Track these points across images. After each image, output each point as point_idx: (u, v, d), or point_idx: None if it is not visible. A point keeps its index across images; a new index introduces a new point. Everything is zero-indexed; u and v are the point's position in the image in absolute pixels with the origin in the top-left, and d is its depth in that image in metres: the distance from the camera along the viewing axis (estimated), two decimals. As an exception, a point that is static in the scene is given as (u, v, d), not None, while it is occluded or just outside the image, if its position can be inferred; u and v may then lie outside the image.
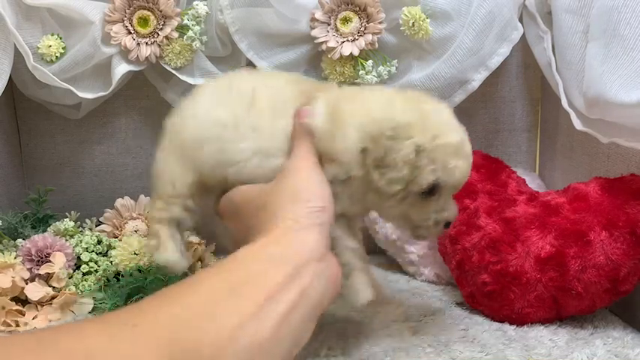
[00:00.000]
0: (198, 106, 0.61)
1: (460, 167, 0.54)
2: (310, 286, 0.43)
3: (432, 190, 0.54)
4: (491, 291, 0.69)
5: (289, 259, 0.43)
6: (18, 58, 0.79)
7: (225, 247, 0.58)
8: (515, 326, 0.68)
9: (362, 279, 0.57)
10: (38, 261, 0.74)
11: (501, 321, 0.69)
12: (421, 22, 0.79)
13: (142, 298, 0.68)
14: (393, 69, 0.84)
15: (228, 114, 0.58)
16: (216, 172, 0.59)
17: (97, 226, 0.86)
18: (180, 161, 0.61)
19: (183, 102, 0.64)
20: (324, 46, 0.82)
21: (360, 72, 0.83)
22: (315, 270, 0.44)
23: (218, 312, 0.38)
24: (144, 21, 0.82)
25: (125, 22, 0.82)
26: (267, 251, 0.45)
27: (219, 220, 0.61)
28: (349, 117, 0.54)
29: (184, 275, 0.78)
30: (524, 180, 0.79)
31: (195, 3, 0.82)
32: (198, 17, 0.81)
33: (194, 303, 0.38)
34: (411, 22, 0.79)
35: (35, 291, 0.71)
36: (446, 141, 0.53)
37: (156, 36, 0.83)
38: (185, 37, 0.82)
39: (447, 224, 0.58)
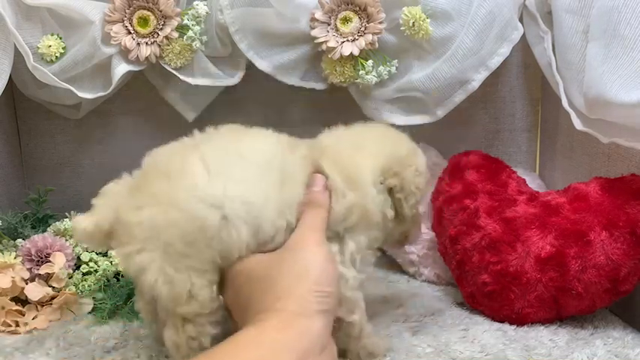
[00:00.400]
0: (204, 184, 0.50)
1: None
2: None
3: None
4: (492, 291, 0.69)
5: (293, 349, 0.43)
6: (18, 58, 0.79)
7: None
8: (515, 326, 0.68)
9: (370, 335, 0.59)
10: (38, 261, 0.74)
11: (501, 321, 0.69)
12: (421, 22, 0.79)
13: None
14: (393, 69, 0.84)
15: (255, 189, 0.52)
16: (242, 256, 0.52)
17: (97, 226, 0.86)
18: (196, 263, 0.50)
19: (166, 187, 0.51)
20: (324, 46, 0.82)
21: (360, 72, 0.83)
22: None
23: None
24: (144, 21, 0.82)
25: (125, 22, 0.82)
26: (272, 337, 0.44)
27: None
28: (363, 175, 0.58)
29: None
30: (524, 180, 0.79)
31: (195, 3, 0.81)
32: (198, 17, 0.81)
33: None
34: (411, 22, 0.79)
35: (35, 291, 0.71)
36: (424, 161, 0.64)
37: (156, 36, 0.83)
38: (185, 37, 0.82)
39: None
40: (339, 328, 0.56)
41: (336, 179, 0.56)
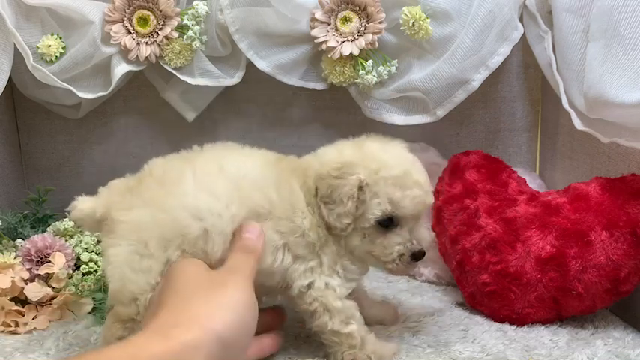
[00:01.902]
0: (192, 196, 0.54)
1: (408, 198, 0.56)
2: None
3: (389, 224, 0.56)
4: (492, 291, 0.69)
5: None
6: (18, 58, 0.79)
7: None
8: (515, 326, 0.68)
9: (377, 341, 0.59)
10: (38, 261, 0.74)
11: (502, 321, 0.69)
12: (421, 22, 0.79)
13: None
14: (393, 69, 0.84)
15: (231, 205, 0.55)
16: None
17: (96, 226, 0.86)
18: (156, 266, 0.53)
19: (158, 194, 0.54)
20: (324, 46, 0.82)
21: (360, 72, 0.83)
22: None
23: None
24: (144, 21, 0.82)
25: (125, 21, 0.82)
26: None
27: None
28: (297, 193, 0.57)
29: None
30: (524, 180, 0.79)
31: (195, 3, 0.81)
32: (198, 17, 0.81)
33: None
34: (411, 21, 0.79)
35: (35, 291, 0.71)
36: (387, 174, 0.55)
37: (156, 36, 0.83)
38: (185, 37, 0.82)
39: (417, 255, 0.58)
40: (340, 342, 0.57)
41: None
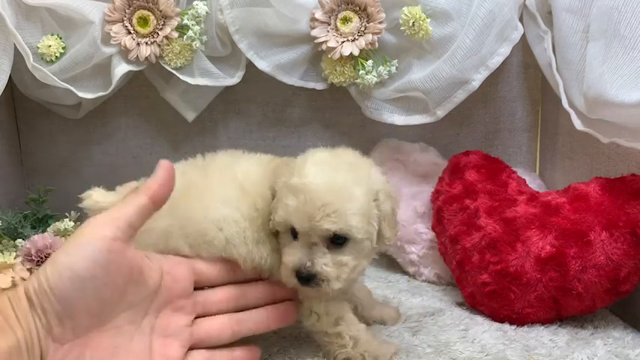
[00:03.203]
0: (215, 207, 0.56)
1: (289, 206, 0.52)
2: None
3: (294, 234, 0.54)
4: (492, 291, 0.69)
5: None
6: (18, 58, 0.79)
7: None
8: (515, 326, 0.68)
9: (373, 340, 0.59)
10: (38, 261, 0.73)
11: (501, 321, 0.69)
12: (421, 22, 0.79)
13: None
14: (393, 69, 0.84)
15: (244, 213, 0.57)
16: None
17: (96, 226, 0.86)
18: None
19: (184, 205, 0.55)
20: (324, 46, 0.82)
21: (360, 72, 0.83)
22: None
23: None
24: (144, 21, 0.82)
25: (125, 22, 0.82)
26: None
27: None
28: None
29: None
30: (524, 180, 0.79)
31: (195, 3, 0.81)
32: (198, 17, 0.81)
33: None
34: (411, 21, 0.79)
35: (35, 291, 0.71)
36: (288, 182, 0.53)
37: (156, 36, 0.83)
38: (185, 37, 0.82)
39: (303, 277, 0.52)
40: (330, 342, 0.57)
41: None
